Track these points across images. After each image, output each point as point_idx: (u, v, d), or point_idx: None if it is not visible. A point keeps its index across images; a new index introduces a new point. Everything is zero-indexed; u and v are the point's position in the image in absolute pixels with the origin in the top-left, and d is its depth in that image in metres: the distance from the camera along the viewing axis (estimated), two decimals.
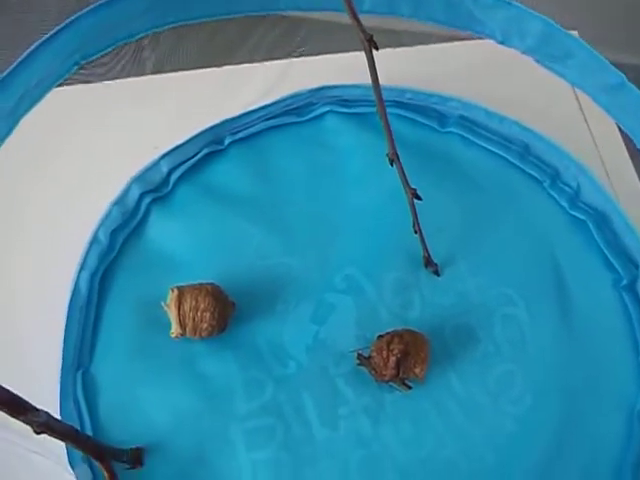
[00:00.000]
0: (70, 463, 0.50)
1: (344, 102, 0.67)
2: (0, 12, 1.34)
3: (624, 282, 0.60)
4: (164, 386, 0.54)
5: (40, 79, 0.45)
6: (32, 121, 0.48)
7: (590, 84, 0.56)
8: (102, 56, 0.50)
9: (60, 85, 0.50)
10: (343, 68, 0.67)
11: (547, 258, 0.61)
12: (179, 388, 0.54)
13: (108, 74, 1.19)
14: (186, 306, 0.52)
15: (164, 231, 0.60)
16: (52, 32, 0.44)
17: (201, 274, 0.56)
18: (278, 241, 0.60)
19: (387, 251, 0.60)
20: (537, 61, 0.57)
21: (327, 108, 0.66)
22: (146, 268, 0.59)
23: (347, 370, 0.55)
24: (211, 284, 0.54)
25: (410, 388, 0.53)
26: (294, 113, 0.66)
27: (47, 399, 0.41)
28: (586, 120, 0.71)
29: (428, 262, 0.58)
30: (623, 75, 0.54)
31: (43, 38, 0.44)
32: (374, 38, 0.42)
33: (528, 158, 0.65)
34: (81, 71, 0.50)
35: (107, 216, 0.59)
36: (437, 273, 0.59)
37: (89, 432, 0.52)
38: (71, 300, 0.55)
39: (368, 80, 0.46)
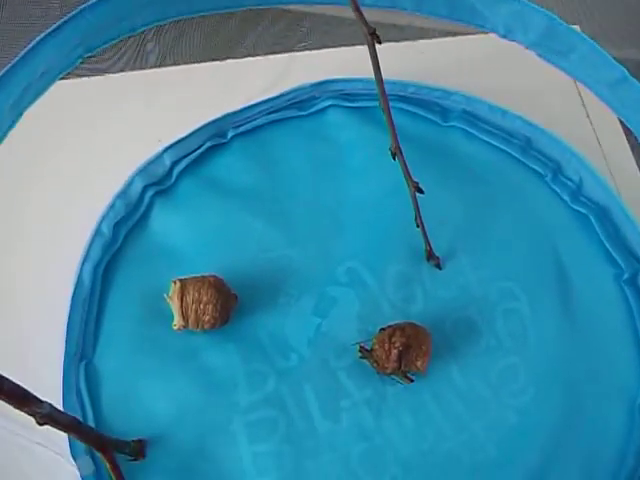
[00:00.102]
0: (72, 454, 0.50)
1: (346, 96, 0.67)
2: (3, 6, 1.35)
3: (625, 276, 0.60)
4: (166, 378, 0.54)
5: (44, 71, 0.45)
6: (36, 114, 0.48)
7: (592, 78, 0.56)
8: (105, 49, 0.50)
9: (63, 78, 0.50)
10: (345, 62, 0.67)
11: (549, 252, 0.61)
12: (181, 380, 0.54)
13: (111, 68, 1.19)
14: (189, 298, 0.52)
15: (167, 224, 0.60)
16: (56, 25, 0.44)
17: (204, 266, 0.57)
18: (280, 234, 0.60)
19: (389, 244, 0.60)
20: (539, 55, 0.57)
21: (329, 102, 0.66)
22: (149, 260, 0.59)
23: (349, 363, 0.55)
24: (213, 276, 0.54)
25: (412, 381, 0.53)
26: (297, 107, 0.66)
27: (50, 391, 0.41)
28: (588, 114, 0.71)
29: (430, 255, 0.59)
30: (625, 69, 0.54)
31: (47, 31, 0.44)
32: (377, 32, 0.42)
33: (530, 152, 0.66)
34: (84, 64, 0.50)
35: (110, 209, 0.59)
36: (439, 266, 0.59)
37: (91, 424, 0.52)
38: (74, 292, 0.55)
39: (370, 74, 0.46)
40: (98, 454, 0.47)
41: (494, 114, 0.66)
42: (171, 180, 0.62)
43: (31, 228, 0.61)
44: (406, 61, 0.70)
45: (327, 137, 0.66)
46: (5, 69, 0.44)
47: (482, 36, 0.63)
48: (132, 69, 0.67)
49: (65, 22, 0.44)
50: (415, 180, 0.52)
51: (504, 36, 0.57)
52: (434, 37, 0.75)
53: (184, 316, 0.53)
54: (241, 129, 0.64)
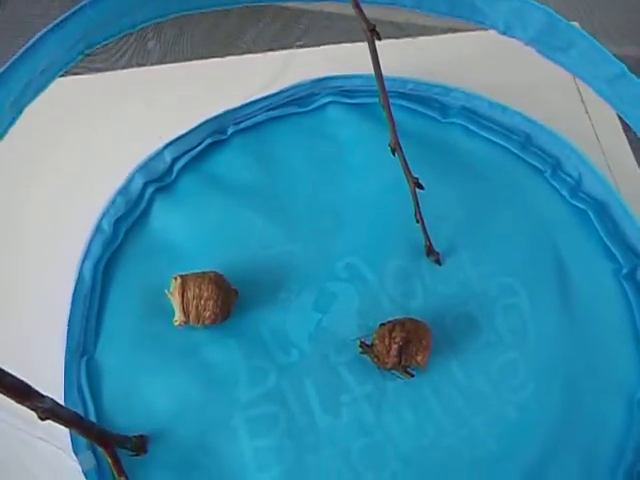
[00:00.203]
0: (74, 449, 0.50)
1: (346, 92, 0.67)
2: (3, 4, 1.35)
3: (624, 271, 0.60)
4: (167, 374, 0.54)
5: (45, 68, 0.45)
6: (36, 111, 0.48)
7: (591, 74, 0.56)
8: (106, 47, 0.50)
9: (64, 75, 0.51)
10: (345, 59, 0.67)
11: (548, 247, 0.62)
12: (182, 376, 0.54)
13: (112, 65, 1.19)
14: (189, 294, 0.52)
15: (167, 220, 0.60)
16: (57, 21, 0.44)
17: (204, 263, 0.57)
18: (280, 230, 0.60)
19: (389, 240, 0.60)
20: (539, 51, 0.57)
21: (329, 99, 0.66)
22: (149, 257, 0.59)
23: (349, 358, 0.56)
24: (214, 272, 0.54)
25: (412, 376, 0.54)
26: (296, 103, 0.67)
27: (51, 387, 0.41)
28: (587, 110, 0.71)
29: (430, 251, 0.59)
30: (624, 65, 0.54)
31: (48, 27, 0.44)
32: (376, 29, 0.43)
33: (529, 148, 0.66)
34: (85, 61, 0.51)
35: (111, 205, 0.59)
36: (439, 262, 0.60)
37: (93, 419, 0.52)
38: (75, 288, 0.56)
39: (370, 70, 0.46)
40: (99, 449, 0.47)
41: (493, 110, 0.66)
42: (171, 177, 0.62)
43: (31, 225, 0.61)
44: (405, 58, 0.70)
45: (327, 133, 0.66)
46: (6, 66, 0.44)
47: (481, 33, 0.63)
48: (132, 66, 0.67)
49: (66, 18, 0.44)
50: (415, 176, 0.52)
51: (504, 32, 0.57)
52: (434, 35, 0.75)
53: (185, 312, 0.53)
54: (241, 126, 0.65)
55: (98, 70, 0.70)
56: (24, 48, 0.44)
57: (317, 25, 1.33)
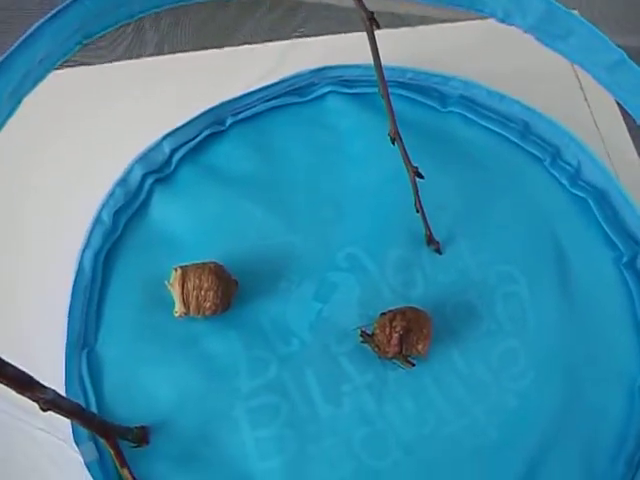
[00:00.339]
0: (76, 441, 0.50)
1: (345, 82, 0.67)
2: None
3: (625, 259, 0.60)
4: (168, 365, 0.55)
5: (42, 58, 0.45)
6: (35, 103, 0.48)
7: (590, 61, 0.56)
8: (104, 37, 0.50)
9: (61, 67, 0.50)
10: (343, 48, 0.67)
11: (548, 236, 0.62)
12: (183, 367, 0.54)
13: (110, 56, 1.18)
14: (189, 285, 0.52)
15: (167, 211, 0.60)
16: (54, 11, 0.44)
17: (204, 254, 0.57)
18: (280, 220, 0.60)
19: (389, 230, 0.60)
20: (538, 39, 0.57)
21: (328, 88, 0.66)
22: (149, 248, 0.59)
23: (350, 348, 0.56)
24: (214, 263, 0.54)
25: (413, 365, 0.54)
26: (295, 94, 0.66)
27: (52, 379, 0.41)
28: (586, 98, 0.71)
29: (430, 240, 0.59)
30: (623, 52, 0.54)
31: (45, 17, 0.44)
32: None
33: (528, 137, 0.66)
34: (82, 52, 0.50)
35: (110, 197, 0.59)
36: (439, 251, 0.60)
37: (94, 411, 0.52)
38: (75, 280, 0.56)
39: (369, 60, 0.46)
40: (101, 441, 0.47)
41: (492, 99, 0.66)
42: (170, 168, 0.62)
43: (31, 217, 0.61)
44: (404, 47, 0.70)
45: (326, 123, 0.66)
46: (4, 56, 0.43)
47: (479, 21, 0.63)
48: (130, 58, 0.66)
49: (63, 8, 0.44)
50: (414, 165, 0.52)
51: (502, 20, 0.57)
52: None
53: (185, 303, 0.53)
54: (240, 116, 0.64)
55: (96, 61, 0.69)
56: (22, 38, 0.44)
57: (315, 16, 1.33)
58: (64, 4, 0.44)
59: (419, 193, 0.54)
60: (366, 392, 0.54)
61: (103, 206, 0.58)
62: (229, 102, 0.64)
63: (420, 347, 0.53)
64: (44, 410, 0.39)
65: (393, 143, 0.50)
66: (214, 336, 0.56)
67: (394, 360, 0.54)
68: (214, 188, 0.62)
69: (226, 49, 0.71)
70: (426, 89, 0.67)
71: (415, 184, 0.53)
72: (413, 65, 0.66)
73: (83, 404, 0.52)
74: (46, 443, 0.52)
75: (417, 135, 0.64)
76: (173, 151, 0.62)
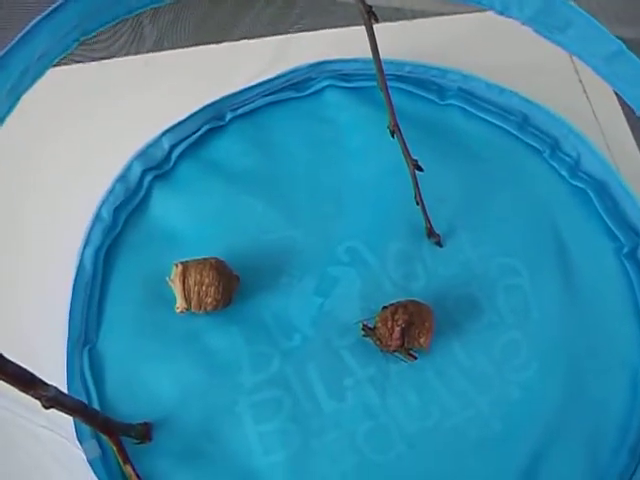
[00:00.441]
0: (78, 438, 0.50)
1: (344, 76, 0.67)
2: None
3: (625, 250, 0.60)
4: (170, 361, 0.55)
5: (41, 55, 0.45)
6: (34, 99, 0.48)
7: (589, 53, 0.56)
8: (102, 34, 0.50)
9: (60, 64, 0.50)
10: (341, 43, 0.67)
11: (548, 228, 0.62)
12: (185, 363, 0.54)
13: (108, 52, 1.18)
14: (190, 281, 0.52)
15: (167, 207, 0.60)
16: (52, 7, 0.44)
17: (205, 249, 0.57)
18: (280, 215, 0.60)
19: (389, 223, 0.60)
20: (536, 31, 0.57)
21: (327, 82, 0.66)
22: (150, 244, 0.59)
23: (352, 342, 0.56)
24: (215, 258, 0.54)
25: (415, 358, 0.54)
26: (294, 88, 0.66)
27: (54, 376, 0.41)
28: (585, 90, 0.71)
29: (430, 233, 0.59)
30: (622, 43, 0.54)
31: (43, 13, 0.44)
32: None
33: (528, 129, 0.66)
34: (80, 49, 0.50)
35: (110, 193, 0.59)
36: (439, 244, 0.60)
37: (96, 408, 0.52)
38: (76, 277, 0.55)
39: (367, 54, 0.46)
40: (104, 437, 0.47)
41: (491, 91, 0.66)
42: (170, 164, 0.62)
43: (31, 214, 0.61)
44: (402, 40, 0.69)
45: (325, 118, 0.66)
46: (2, 53, 0.43)
47: (478, 14, 0.63)
48: (129, 54, 0.66)
49: (61, 5, 0.44)
50: (414, 158, 0.52)
51: (501, 13, 0.56)
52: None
53: (186, 299, 0.53)
54: (239, 111, 0.64)
55: (94, 57, 0.69)
56: (20, 35, 0.44)
57: (313, 10, 1.32)
58: (62, 1, 0.44)
59: (419, 186, 0.54)
60: (369, 386, 0.54)
61: (103, 203, 0.58)
62: (228, 97, 0.64)
63: (422, 340, 0.53)
64: (46, 408, 0.39)
65: (392, 136, 0.50)
66: (216, 332, 0.56)
67: (396, 353, 0.54)
68: (214, 183, 0.61)
69: (224, 44, 0.71)
70: (425, 82, 0.67)
71: (415, 177, 0.53)
72: (411, 58, 0.66)
73: (85, 401, 0.52)
74: (49, 441, 0.52)
75: (416, 128, 0.64)
76: (172, 147, 0.62)
